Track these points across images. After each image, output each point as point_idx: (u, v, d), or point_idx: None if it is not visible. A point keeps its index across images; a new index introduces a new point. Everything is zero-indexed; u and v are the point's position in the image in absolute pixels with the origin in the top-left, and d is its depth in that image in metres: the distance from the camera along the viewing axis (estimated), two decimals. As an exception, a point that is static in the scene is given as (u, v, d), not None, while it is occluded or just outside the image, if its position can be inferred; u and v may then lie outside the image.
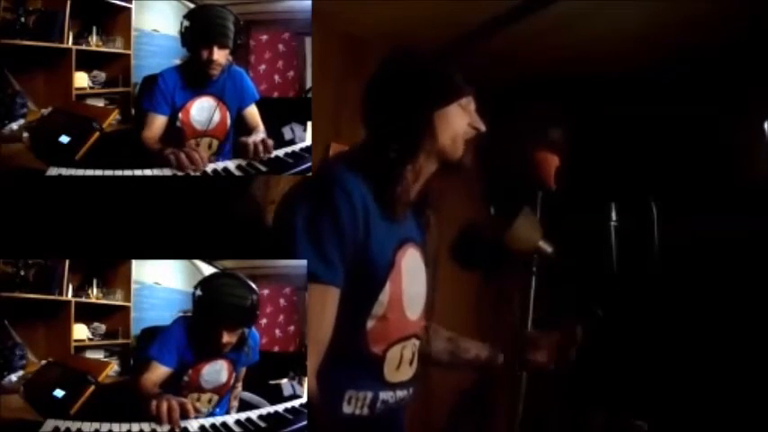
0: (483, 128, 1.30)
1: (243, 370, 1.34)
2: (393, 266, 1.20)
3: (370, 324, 1.19)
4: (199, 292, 1.28)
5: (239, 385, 1.34)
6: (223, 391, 1.32)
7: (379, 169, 1.22)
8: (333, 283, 1.14)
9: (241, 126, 1.42)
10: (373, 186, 1.20)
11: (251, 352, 1.32)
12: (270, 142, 1.38)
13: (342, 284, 1.14)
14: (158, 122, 1.36)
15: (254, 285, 1.29)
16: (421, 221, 1.36)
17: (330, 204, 1.13)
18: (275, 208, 1.28)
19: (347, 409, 1.19)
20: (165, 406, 1.21)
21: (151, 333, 1.32)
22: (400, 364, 1.25)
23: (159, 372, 1.28)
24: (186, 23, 1.34)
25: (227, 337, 1.28)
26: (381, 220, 1.19)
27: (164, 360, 1.28)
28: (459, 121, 1.28)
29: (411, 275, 1.25)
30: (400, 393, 1.27)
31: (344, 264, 1.14)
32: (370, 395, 1.21)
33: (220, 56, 1.36)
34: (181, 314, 1.31)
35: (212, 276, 1.30)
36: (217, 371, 1.31)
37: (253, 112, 1.42)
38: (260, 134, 1.40)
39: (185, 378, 1.29)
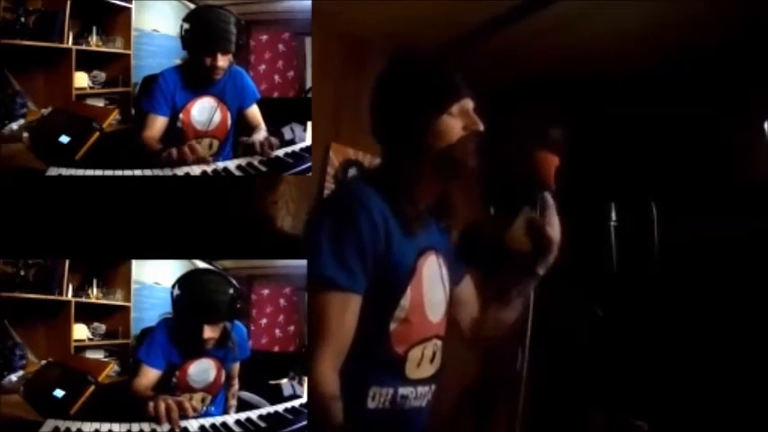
0: (481, 127, 1.31)
1: (236, 367, 1.34)
2: (414, 273, 1.26)
3: (392, 326, 1.24)
4: (177, 291, 1.29)
5: (235, 383, 1.34)
6: (214, 390, 1.32)
7: (395, 183, 1.27)
8: (354, 290, 1.19)
9: (242, 126, 1.42)
10: (391, 201, 1.25)
11: (237, 347, 1.33)
12: (275, 141, 1.40)
13: (362, 292, 1.19)
14: (159, 123, 1.36)
15: (232, 279, 1.31)
16: (442, 228, 1.40)
17: (352, 221, 1.19)
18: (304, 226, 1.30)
19: (371, 404, 1.23)
20: (162, 406, 1.22)
21: (147, 334, 1.33)
22: (421, 361, 1.29)
23: (150, 374, 1.28)
24: (186, 27, 1.34)
25: (208, 333, 1.29)
26: (401, 231, 1.24)
27: (151, 362, 1.29)
28: (454, 129, 1.30)
29: (431, 281, 1.30)
30: (421, 390, 1.31)
31: (365, 273, 1.19)
32: (391, 391, 1.25)
33: (224, 61, 1.36)
34: (164, 316, 1.31)
35: (188, 273, 1.31)
36: (204, 370, 1.31)
37: (254, 111, 1.42)
38: (263, 132, 1.41)
39: (174, 379, 1.29)
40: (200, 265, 1.33)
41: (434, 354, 1.33)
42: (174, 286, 1.29)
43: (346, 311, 1.18)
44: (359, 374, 1.21)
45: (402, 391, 1.27)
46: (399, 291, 1.23)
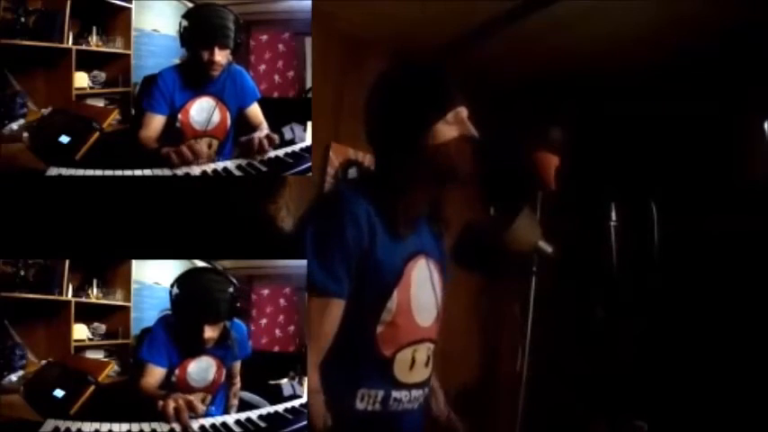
0: (475, 134, 1.33)
1: (237, 365, 1.34)
2: (402, 277, 1.27)
3: (379, 329, 1.26)
4: (175, 290, 1.28)
5: (237, 382, 1.34)
6: (214, 389, 1.32)
7: (385, 187, 1.29)
8: (337, 295, 1.21)
9: (242, 125, 1.42)
10: (379, 204, 1.27)
11: (237, 345, 1.32)
12: (274, 137, 1.39)
13: (346, 296, 1.22)
14: (156, 122, 1.35)
15: (232, 278, 1.30)
16: (435, 232, 1.41)
17: (337, 225, 1.22)
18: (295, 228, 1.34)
19: (360, 405, 1.26)
20: (172, 405, 1.21)
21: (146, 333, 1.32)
22: (413, 365, 1.31)
23: (156, 373, 1.28)
24: (185, 23, 1.34)
25: (209, 332, 1.28)
26: (387, 235, 1.26)
27: (156, 361, 1.29)
28: (448, 135, 1.31)
29: (420, 285, 1.31)
30: (416, 393, 1.33)
31: (349, 276, 1.22)
32: (381, 393, 1.27)
33: (221, 56, 1.36)
34: (163, 313, 1.30)
35: (187, 272, 1.31)
36: (204, 369, 1.31)
37: (255, 110, 1.42)
38: (263, 130, 1.41)
39: (173, 378, 1.29)
40: (201, 264, 1.33)
41: (428, 357, 1.35)
42: (172, 285, 1.28)
43: (328, 316, 1.21)
44: (346, 375, 1.24)
45: (395, 394, 1.29)
46: (386, 294, 1.26)
